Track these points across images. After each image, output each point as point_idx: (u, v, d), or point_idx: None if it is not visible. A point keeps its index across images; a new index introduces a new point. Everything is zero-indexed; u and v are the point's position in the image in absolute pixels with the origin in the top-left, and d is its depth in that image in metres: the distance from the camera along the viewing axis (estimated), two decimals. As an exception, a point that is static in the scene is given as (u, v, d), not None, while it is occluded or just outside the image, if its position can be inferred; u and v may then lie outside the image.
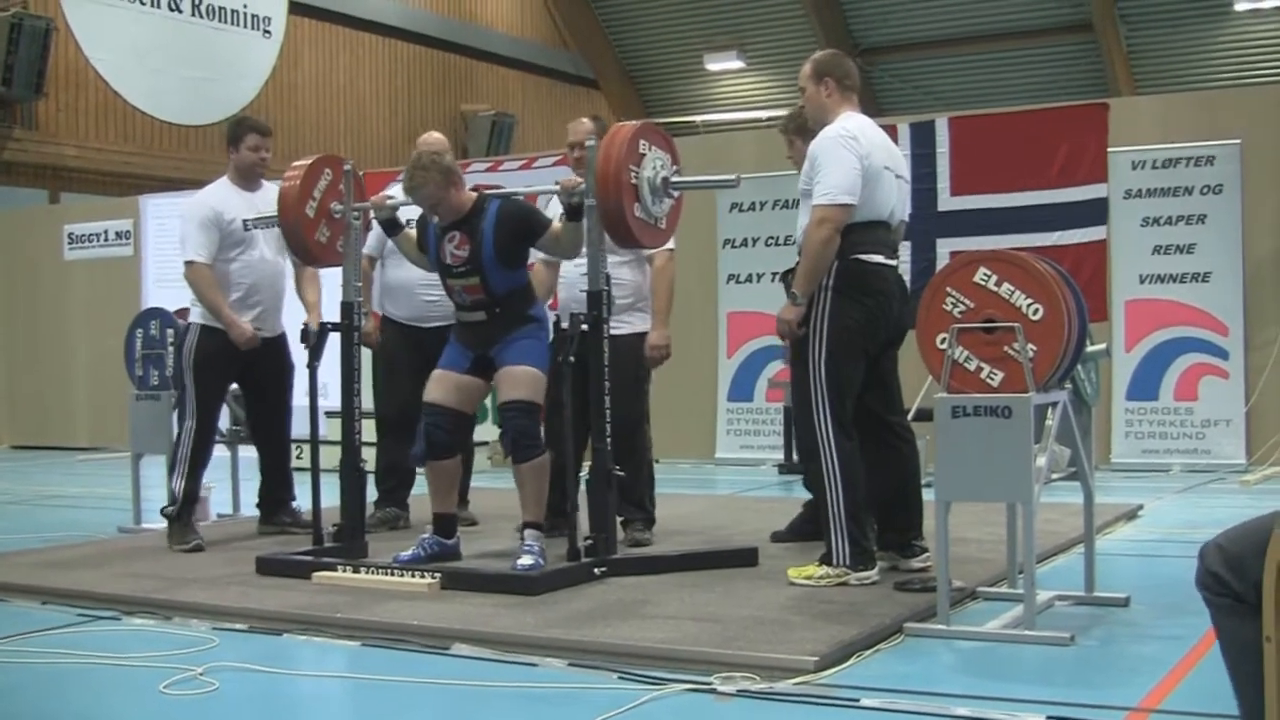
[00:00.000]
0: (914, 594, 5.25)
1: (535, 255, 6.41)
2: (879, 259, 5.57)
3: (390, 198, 6.63)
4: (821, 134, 5.61)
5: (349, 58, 21.94)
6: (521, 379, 5.96)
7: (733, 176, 6.10)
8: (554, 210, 6.46)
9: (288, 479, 7.64)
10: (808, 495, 6.46)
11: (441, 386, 6.11)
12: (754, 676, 4.21)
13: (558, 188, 6.01)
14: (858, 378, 5.57)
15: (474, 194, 6.14)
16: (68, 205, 17.36)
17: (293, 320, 7.46)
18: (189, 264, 7.14)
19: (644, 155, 5.82)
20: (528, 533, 5.93)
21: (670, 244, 6.59)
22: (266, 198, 7.36)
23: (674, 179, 5.96)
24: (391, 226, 6.43)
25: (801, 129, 6.41)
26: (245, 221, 7.19)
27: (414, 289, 7.29)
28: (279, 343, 7.47)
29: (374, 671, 4.53)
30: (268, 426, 7.62)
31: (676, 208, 6.09)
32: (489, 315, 6.04)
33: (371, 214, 6.57)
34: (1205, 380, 10.35)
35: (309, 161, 6.77)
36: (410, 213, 6.53)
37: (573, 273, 6.65)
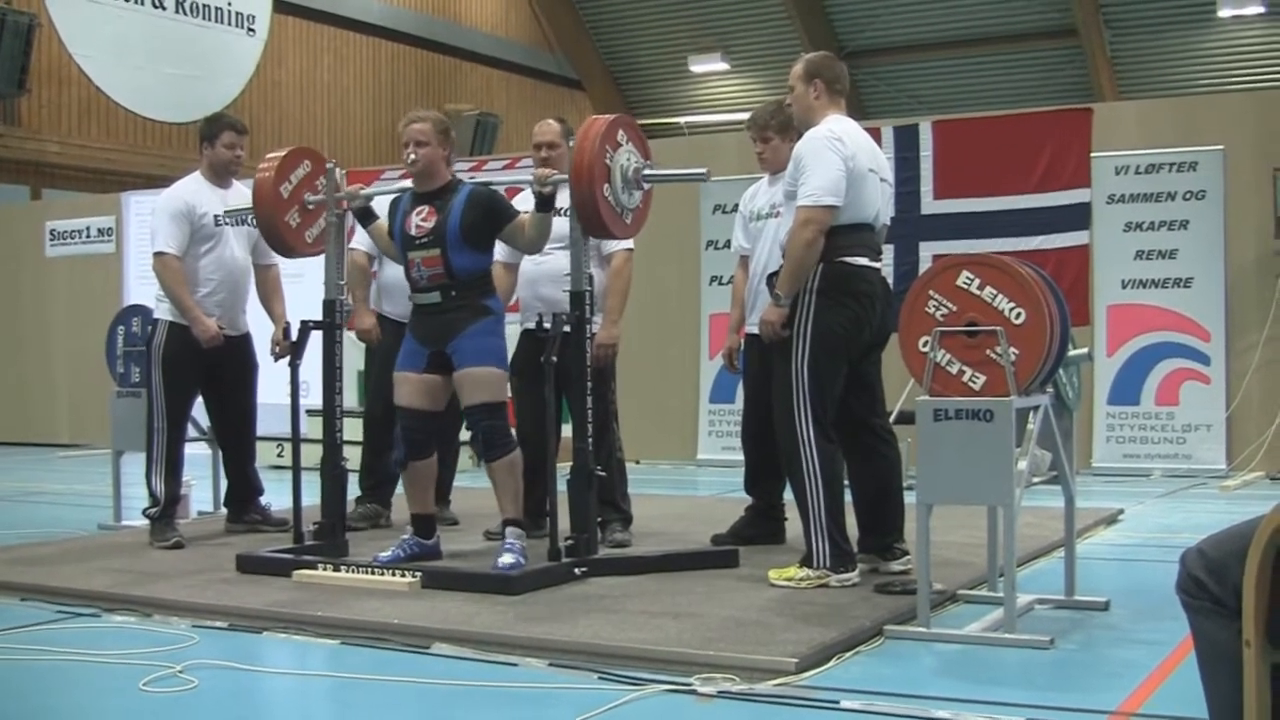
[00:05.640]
0: (894, 596, 5.26)
1: (495, 254, 6.36)
2: (864, 261, 5.57)
3: (361, 187, 6.64)
4: (807, 135, 5.61)
5: (333, 56, 21.92)
6: (483, 381, 5.95)
7: (703, 170, 6.10)
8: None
9: (253, 476, 7.64)
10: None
11: (408, 388, 6.08)
12: (734, 677, 4.21)
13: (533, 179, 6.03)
14: (840, 380, 5.56)
15: (451, 175, 6.17)
16: (50, 202, 17.32)
17: (256, 323, 7.46)
18: (158, 255, 7.13)
19: (621, 145, 5.84)
20: (509, 530, 5.92)
21: (629, 244, 6.61)
22: (238, 195, 7.38)
23: (646, 171, 5.97)
24: (365, 216, 6.44)
25: (784, 127, 6.42)
26: (217, 216, 7.20)
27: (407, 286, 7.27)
28: (243, 341, 7.46)
29: (354, 670, 4.53)
30: (231, 425, 7.61)
31: (644, 205, 6.09)
32: (444, 298, 5.99)
33: (345, 204, 6.56)
34: (1186, 385, 10.38)
35: (284, 152, 6.82)
36: (384, 206, 6.55)
37: (533, 270, 6.65)
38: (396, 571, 5.72)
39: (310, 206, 6.76)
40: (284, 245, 6.86)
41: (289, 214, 6.76)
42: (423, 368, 6.06)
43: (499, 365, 6.02)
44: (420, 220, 6.02)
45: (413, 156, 6.02)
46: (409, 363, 6.10)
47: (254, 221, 7.34)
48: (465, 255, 5.98)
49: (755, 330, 6.19)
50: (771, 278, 5.77)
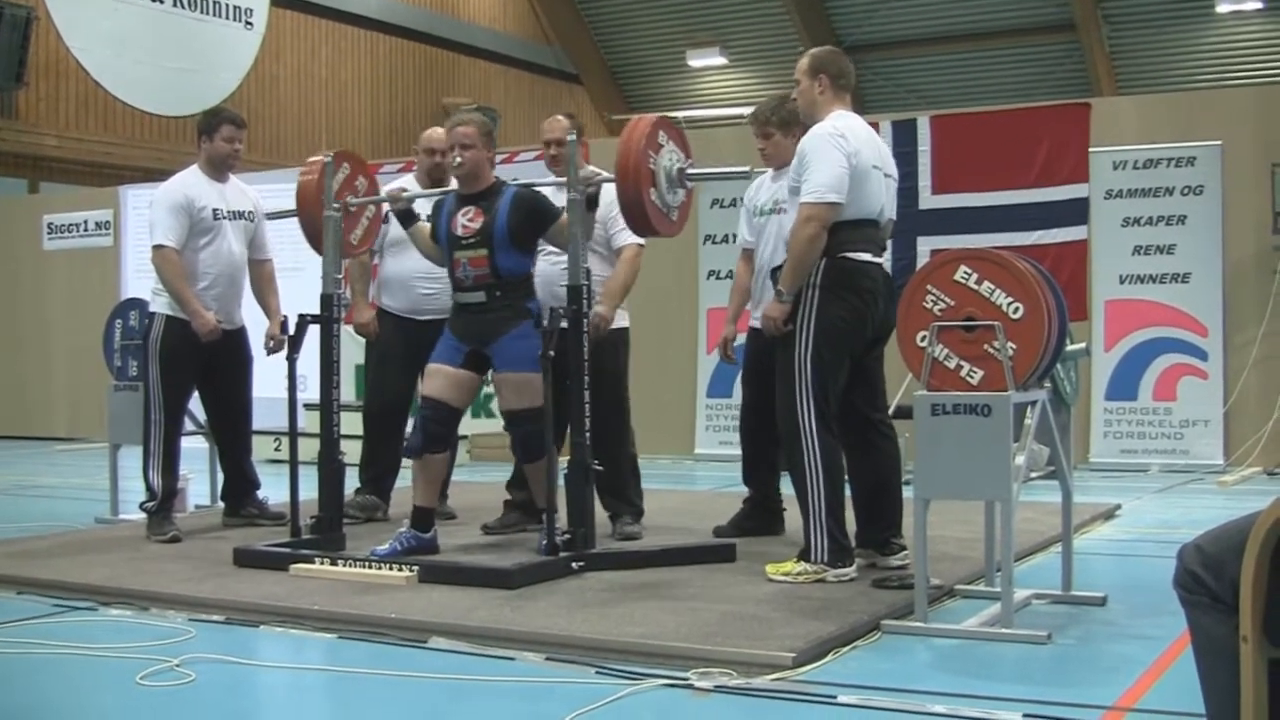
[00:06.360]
0: (892, 591, 5.26)
1: None
2: (866, 257, 5.57)
3: (404, 189, 6.66)
4: (811, 131, 5.60)
5: (330, 50, 21.90)
6: (524, 388, 6.07)
7: (745, 167, 6.10)
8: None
9: (250, 470, 7.63)
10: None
11: (438, 381, 6.17)
12: (731, 672, 4.21)
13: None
14: (842, 375, 5.56)
15: (495, 177, 6.25)
16: (47, 195, 17.33)
17: (250, 317, 7.46)
18: (158, 248, 7.12)
19: (662, 146, 5.83)
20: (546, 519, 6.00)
21: (640, 238, 6.61)
22: (236, 189, 7.39)
23: (689, 170, 5.97)
24: (407, 218, 6.49)
25: (785, 122, 6.42)
26: (217, 209, 7.20)
27: (411, 280, 7.28)
28: (239, 335, 7.45)
29: (350, 664, 4.52)
30: (227, 419, 7.60)
31: (687, 201, 6.10)
32: (488, 297, 6.11)
33: (386, 207, 6.61)
34: (1184, 381, 10.38)
35: (326, 156, 6.83)
36: (423, 207, 6.58)
37: (549, 269, 6.62)
38: (394, 565, 5.72)
39: (351, 209, 6.77)
40: None
41: None
42: (459, 363, 6.15)
43: (537, 370, 6.03)
44: (466, 221, 6.13)
45: (459, 159, 6.13)
46: (446, 357, 6.20)
47: (251, 215, 7.36)
48: (511, 256, 6.11)
49: (758, 324, 6.19)
50: (775, 272, 5.77)
